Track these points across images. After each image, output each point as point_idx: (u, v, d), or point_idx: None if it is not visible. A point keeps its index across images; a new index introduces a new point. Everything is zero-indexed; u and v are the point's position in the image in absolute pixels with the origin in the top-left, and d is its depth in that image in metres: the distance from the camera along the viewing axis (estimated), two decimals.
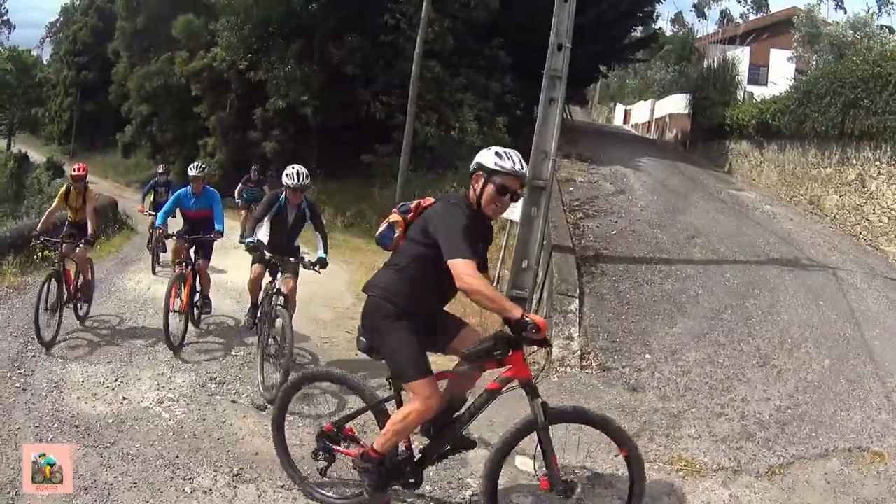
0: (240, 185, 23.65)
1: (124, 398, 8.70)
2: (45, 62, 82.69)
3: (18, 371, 9.37)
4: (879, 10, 61.39)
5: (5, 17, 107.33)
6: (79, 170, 12.58)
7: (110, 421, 7.96)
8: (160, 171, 20.93)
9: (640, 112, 58.69)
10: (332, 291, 16.53)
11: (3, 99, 64.39)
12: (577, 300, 11.94)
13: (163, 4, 45.10)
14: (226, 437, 7.82)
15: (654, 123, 52.30)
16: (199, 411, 8.49)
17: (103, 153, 63.57)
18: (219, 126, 39.70)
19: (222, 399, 9.02)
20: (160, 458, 7.17)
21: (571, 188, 20.74)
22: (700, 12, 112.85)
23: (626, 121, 63.56)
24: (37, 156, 64.77)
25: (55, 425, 7.78)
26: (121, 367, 9.84)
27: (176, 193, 12.94)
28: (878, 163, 18.74)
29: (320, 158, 32.77)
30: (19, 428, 7.64)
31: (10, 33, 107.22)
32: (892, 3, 56.78)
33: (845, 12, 69.11)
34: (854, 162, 19.73)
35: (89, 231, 12.06)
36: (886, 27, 36.20)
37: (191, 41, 40.82)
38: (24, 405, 8.25)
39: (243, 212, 22.69)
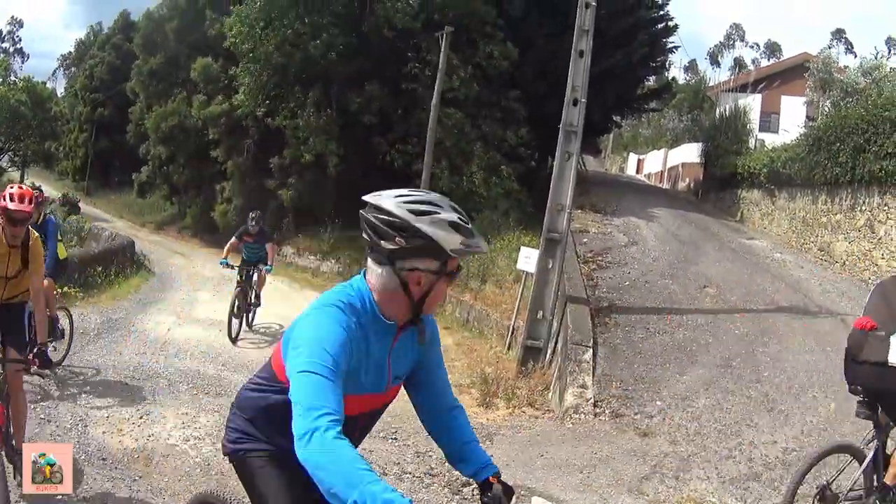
0: (233, 239, 17.09)
1: (150, 435, 8.87)
2: (59, 95, 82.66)
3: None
4: (889, 51, 61.72)
5: (19, 46, 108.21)
6: (21, 198, 6.59)
7: (136, 456, 8.16)
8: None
9: (653, 161, 59.06)
10: None
11: (18, 130, 63.83)
12: (590, 350, 12.23)
13: (180, 45, 45.58)
14: None
15: (666, 173, 52.58)
16: None
17: (118, 192, 63.69)
18: (236, 171, 39.87)
19: None
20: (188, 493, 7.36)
21: (585, 239, 21.10)
22: (714, 60, 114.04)
23: (638, 170, 63.83)
24: (51, 190, 64.05)
25: (81, 457, 7.88)
26: (145, 406, 9.98)
27: None
28: (886, 207, 19.06)
29: (337, 207, 32.95)
30: None
31: (23, 62, 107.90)
32: None
33: (855, 56, 69.50)
34: (864, 208, 20.04)
35: (38, 336, 6.80)
36: None
37: (208, 84, 41.23)
38: (48, 437, 8.35)
39: (238, 285, 16.26)
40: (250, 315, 16.55)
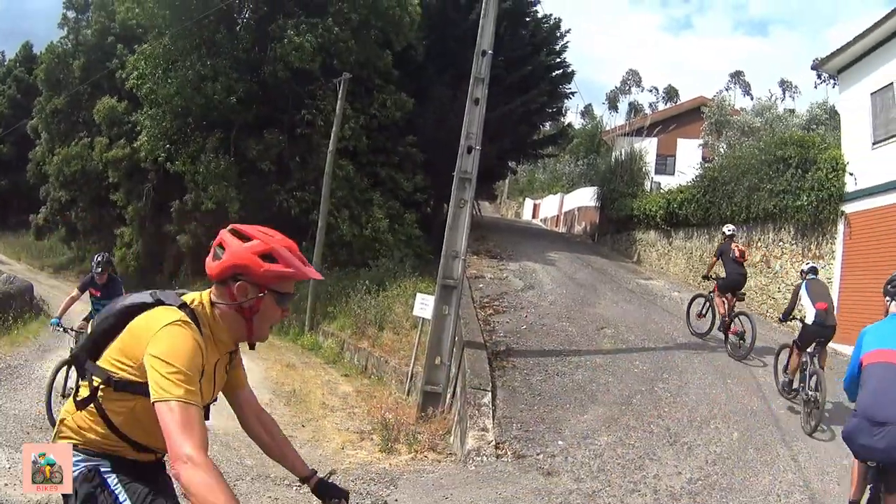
0: (74, 291, 12.66)
1: None
2: None
3: None
4: (784, 93, 63.85)
5: None
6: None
7: None
8: None
9: (549, 206, 59.64)
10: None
11: None
12: (489, 393, 12.15)
13: (85, 84, 44.22)
14: None
15: (562, 217, 53.04)
16: None
17: (15, 233, 61.10)
18: (135, 216, 39.18)
19: None
20: None
21: (481, 285, 21.07)
22: (612, 105, 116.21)
23: (535, 215, 64.44)
24: None
25: None
26: None
27: None
28: (781, 243, 19.65)
29: None
30: None
31: None
32: (796, 87, 59.42)
33: (752, 98, 71.68)
34: (759, 244, 20.68)
35: (300, 469, 3.83)
36: (790, 111, 37.45)
37: (112, 127, 40.51)
38: None
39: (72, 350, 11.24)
40: None
